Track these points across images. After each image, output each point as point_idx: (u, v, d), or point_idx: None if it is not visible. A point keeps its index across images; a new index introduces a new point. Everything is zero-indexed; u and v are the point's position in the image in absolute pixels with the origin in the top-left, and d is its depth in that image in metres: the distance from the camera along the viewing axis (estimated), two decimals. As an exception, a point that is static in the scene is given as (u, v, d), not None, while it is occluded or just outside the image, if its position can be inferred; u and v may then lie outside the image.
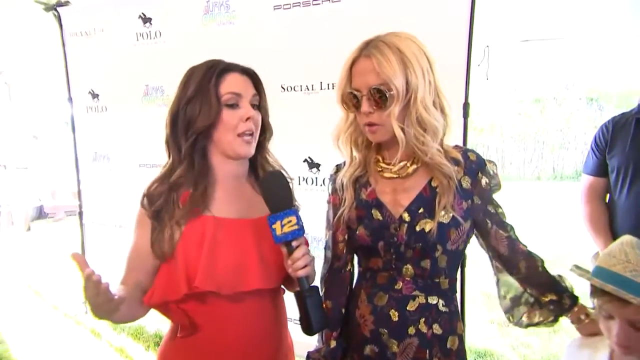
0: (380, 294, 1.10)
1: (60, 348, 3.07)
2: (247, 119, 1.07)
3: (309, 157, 2.38)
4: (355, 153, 1.16)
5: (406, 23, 2.00)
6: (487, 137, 13.33)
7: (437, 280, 1.09)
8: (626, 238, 0.98)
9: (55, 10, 3.14)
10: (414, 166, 1.09)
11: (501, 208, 1.15)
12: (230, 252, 1.04)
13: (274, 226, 0.99)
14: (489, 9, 2.33)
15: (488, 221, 1.12)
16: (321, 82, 2.30)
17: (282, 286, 1.19)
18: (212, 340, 1.08)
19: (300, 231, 1.00)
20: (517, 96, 12.48)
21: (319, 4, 2.24)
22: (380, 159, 1.14)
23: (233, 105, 1.07)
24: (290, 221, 0.99)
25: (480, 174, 1.10)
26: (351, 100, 1.07)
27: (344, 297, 1.17)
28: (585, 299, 1.11)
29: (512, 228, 1.15)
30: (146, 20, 2.78)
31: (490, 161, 1.15)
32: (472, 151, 1.13)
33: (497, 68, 3.42)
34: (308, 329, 1.02)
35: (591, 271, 1.00)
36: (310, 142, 2.34)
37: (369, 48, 1.02)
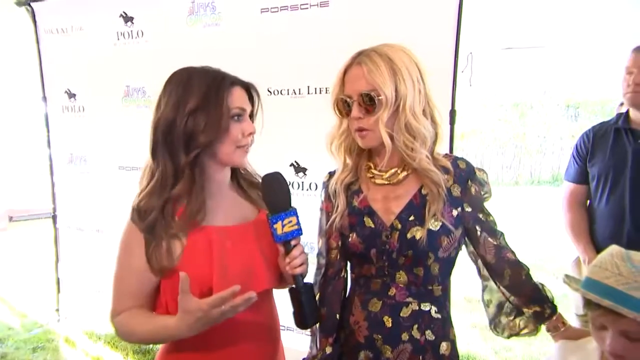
0: (374, 300, 1.13)
1: (32, 359, 2.98)
2: (249, 134, 1.09)
3: (295, 162, 2.40)
4: (347, 160, 1.19)
5: (393, 29, 2.07)
6: (468, 142, 13.60)
7: (430, 287, 1.11)
8: (615, 249, 1.00)
9: (29, 5, 3.07)
10: (404, 173, 1.12)
11: (492, 216, 1.18)
12: (237, 260, 1.06)
13: (275, 226, 1.03)
14: (474, 16, 2.39)
15: (478, 228, 1.15)
16: (308, 86, 2.32)
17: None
18: (223, 345, 1.08)
19: (299, 231, 1.04)
20: (497, 101, 12.77)
21: (307, 8, 2.26)
22: (372, 165, 1.16)
23: (238, 118, 1.07)
24: (291, 221, 1.04)
25: (469, 182, 1.13)
26: (343, 106, 1.10)
27: (339, 304, 1.19)
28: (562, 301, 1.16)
29: (502, 235, 1.19)
30: (127, 19, 2.75)
31: (480, 169, 1.18)
32: (462, 159, 1.16)
33: (480, 75, 3.51)
34: (302, 323, 1.08)
35: (581, 281, 1.03)
36: (297, 146, 2.36)
37: (361, 56, 1.08)
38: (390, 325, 1.10)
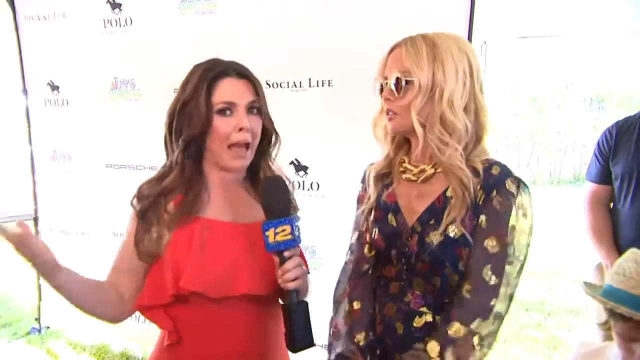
0: (390, 304, 1.16)
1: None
2: (241, 129, 1.09)
3: (296, 159, 2.42)
4: (389, 148, 1.22)
5: (401, 15, 2.08)
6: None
7: (447, 300, 1.10)
8: (635, 252, 1.02)
9: (7, -11, 3.09)
10: (433, 170, 1.11)
11: (509, 252, 1.03)
12: (219, 254, 1.09)
13: (267, 233, 1.02)
14: (487, 4, 2.41)
15: (474, 256, 1.06)
16: (310, 79, 2.33)
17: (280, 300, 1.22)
18: (199, 348, 1.12)
19: (293, 242, 1.03)
20: (514, 95, 12.77)
21: (308, -6, 2.28)
22: (406, 159, 1.18)
23: (226, 113, 1.09)
24: (284, 230, 1.02)
25: (494, 192, 1.05)
26: (379, 87, 1.15)
27: (372, 300, 1.20)
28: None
29: (500, 286, 1.03)
30: (115, 5, 2.77)
31: (516, 179, 1.07)
32: (500, 165, 1.09)
33: (495, 65, 3.52)
34: (290, 345, 1.07)
35: (602, 289, 1.04)
36: (298, 143, 2.37)
37: (405, 39, 1.11)
38: (402, 332, 1.12)
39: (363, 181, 1.28)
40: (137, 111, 2.78)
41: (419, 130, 1.07)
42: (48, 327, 3.45)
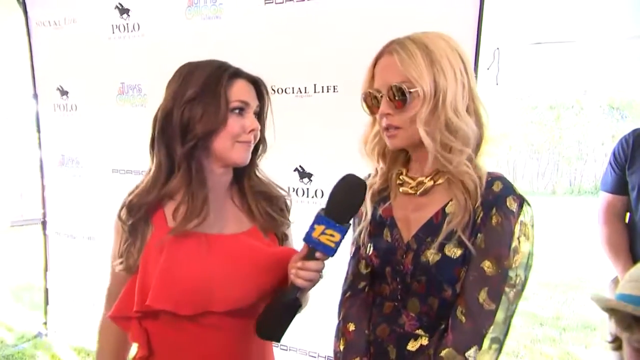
0: (384, 326, 1.09)
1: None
2: (251, 130, 1.08)
3: (300, 166, 2.39)
4: (381, 164, 1.15)
5: (408, 18, 2.05)
6: (496, 147, 13.45)
7: (445, 323, 1.03)
8: None
9: (21, -4, 3.15)
10: (432, 183, 1.05)
11: (509, 274, 0.97)
12: (193, 267, 1.04)
13: (316, 225, 0.97)
14: (499, 8, 2.36)
15: (470, 277, 1.00)
16: (315, 85, 2.31)
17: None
18: None
19: (331, 251, 0.98)
20: (530, 103, 12.62)
21: (315, -2, 2.26)
22: (404, 171, 1.11)
23: (239, 112, 1.07)
24: (333, 236, 0.97)
25: (494, 210, 0.99)
26: (372, 102, 1.05)
27: (367, 321, 1.13)
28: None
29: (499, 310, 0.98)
30: (123, 11, 2.79)
31: (518, 197, 1.01)
32: (501, 180, 1.02)
33: (508, 72, 3.46)
34: (258, 329, 1.03)
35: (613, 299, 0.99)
36: (302, 150, 2.36)
37: (393, 45, 1.02)
38: (394, 357, 1.06)
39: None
40: (144, 116, 2.78)
41: (428, 142, 0.99)
42: (55, 332, 3.46)
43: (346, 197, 0.99)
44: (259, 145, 1.17)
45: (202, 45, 2.53)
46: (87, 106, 3.04)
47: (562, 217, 9.09)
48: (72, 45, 3.02)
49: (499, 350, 0.99)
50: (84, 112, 3.06)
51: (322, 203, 2.34)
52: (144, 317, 1.06)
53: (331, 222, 0.96)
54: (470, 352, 0.96)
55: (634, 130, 2.00)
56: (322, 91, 2.30)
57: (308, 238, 0.98)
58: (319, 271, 1.00)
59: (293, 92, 2.35)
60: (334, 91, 2.27)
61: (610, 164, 2.03)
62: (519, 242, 0.98)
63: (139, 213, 1.07)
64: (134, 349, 1.20)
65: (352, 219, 1.06)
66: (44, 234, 3.39)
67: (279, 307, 1.01)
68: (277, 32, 2.37)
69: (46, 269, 3.42)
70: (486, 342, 0.97)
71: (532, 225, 1.01)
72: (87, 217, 3.12)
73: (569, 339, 3.90)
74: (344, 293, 1.20)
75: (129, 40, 2.79)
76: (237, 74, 1.09)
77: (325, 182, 2.37)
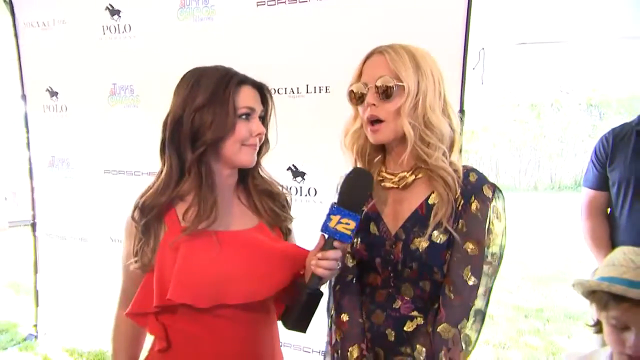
0: (378, 312, 1.16)
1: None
2: (257, 134, 1.13)
3: (293, 165, 2.42)
4: (359, 164, 1.21)
5: (398, 20, 2.09)
6: (480, 144, 13.64)
7: (438, 303, 1.12)
8: (624, 248, 1.08)
9: (7, -5, 3.11)
10: (413, 177, 1.14)
11: (481, 254, 1.09)
12: (210, 263, 1.09)
13: (331, 217, 1.05)
14: (485, 9, 2.42)
15: (454, 258, 1.11)
16: (307, 85, 2.35)
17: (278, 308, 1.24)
18: (190, 355, 1.13)
19: (348, 238, 1.05)
20: (513, 101, 12.82)
21: (306, 1, 2.29)
22: (383, 168, 1.20)
23: (246, 117, 1.12)
24: (348, 224, 1.04)
25: (473, 197, 1.11)
26: (357, 94, 1.14)
27: (359, 310, 1.20)
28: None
29: (479, 287, 1.10)
30: (114, 12, 2.79)
31: (492, 185, 1.14)
32: (475, 172, 1.15)
33: (492, 71, 3.53)
34: (285, 321, 1.10)
35: (592, 282, 1.08)
36: (295, 149, 2.38)
37: (383, 47, 1.13)
38: (393, 339, 1.13)
39: (337, 190, 1.27)
40: (136, 117, 2.79)
41: (410, 133, 1.08)
42: (45, 334, 3.44)
43: (356, 187, 1.08)
44: (262, 146, 1.21)
45: (194, 46, 2.54)
46: (78, 107, 3.02)
47: (543, 212, 9.27)
48: (62, 46, 3.00)
49: (482, 320, 1.13)
50: (75, 113, 3.04)
51: (315, 201, 2.40)
52: (161, 312, 1.11)
53: (345, 211, 1.04)
54: (462, 324, 1.09)
55: (613, 129, 2.08)
56: (315, 91, 2.33)
57: (325, 229, 1.05)
58: (338, 259, 1.07)
59: (286, 93, 2.38)
60: (326, 92, 2.31)
61: (592, 161, 2.11)
62: (492, 224, 1.12)
63: (152, 213, 1.11)
64: (147, 343, 1.24)
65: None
66: (34, 236, 3.36)
67: (303, 299, 1.07)
68: (269, 34, 2.39)
69: (36, 271, 3.39)
70: (471, 315, 1.10)
71: (504, 209, 1.14)
72: (79, 218, 3.11)
73: (553, 329, 4.01)
74: (333, 287, 1.26)
75: (121, 41, 2.79)
76: (244, 81, 1.13)
77: (318, 181, 2.41)
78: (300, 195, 2.42)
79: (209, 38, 2.51)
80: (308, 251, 1.15)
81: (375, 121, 1.12)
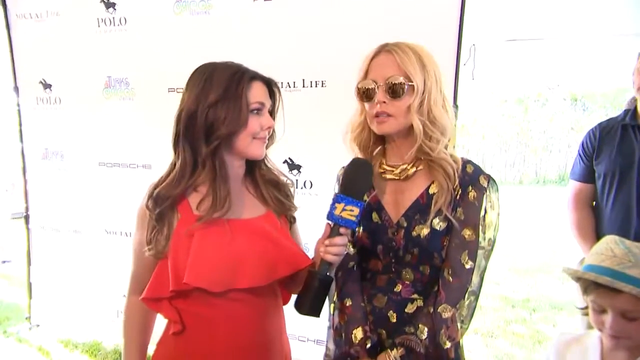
0: (380, 295, 1.23)
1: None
2: (267, 128, 1.19)
3: (289, 158, 2.46)
4: (360, 156, 1.27)
5: (394, 17, 2.14)
6: (469, 139, 13.78)
7: (437, 286, 1.19)
8: (609, 237, 1.17)
9: (-2, -13, 3.08)
10: (414, 169, 1.21)
11: (483, 238, 1.18)
12: (222, 250, 1.14)
13: (336, 205, 1.11)
14: (477, 6, 2.48)
15: (452, 244, 1.18)
16: (304, 80, 2.38)
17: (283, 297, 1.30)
18: (204, 337, 1.18)
19: (353, 224, 1.11)
20: (501, 96, 12.97)
21: (303, -5, 2.32)
22: (384, 161, 1.26)
23: (257, 112, 1.17)
24: (352, 210, 1.10)
25: (470, 187, 1.19)
26: (365, 91, 1.19)
27: (361, 294, 1.26)
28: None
29: (475, 271, 1.18)
30: (109, 5, 2.78)
31: (487, 176, 1.21)
32: (472, 164, 1.23)
33: (483, 67, 3.60)
34: (298, 307, 1.15)
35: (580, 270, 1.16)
36: (291, 142, 2.38)
37: (390, 46, 1.19)
38: (395, 320, 1.20)
39: (339, 181, 1.33)
40: (131, 110, 2.80)
41: (419, 128, 1.15)
42: (38, 326, 3.44)
43: (357, 176, 1.15)
44: (269, 138, 1.26)
45: (190, 40, 2.56)
46: (72, 99, 3.02)
47: (529, 206, 9.43)
48: (55, 38, 2.99)
49: (476, 300, 1.22)
50: (69, 105, 3.03)
51: (311, 193, 2.44)
52: (175, 297, 1.16)
53: (348, 199, 1.10)
54: (459, 304, 1.17)
55: (600, 124, 2.15)
56: (311, 86, 2.37)
57: (331, 216, 1.11)
58: (345, 245, 1.13)
59: (282, 87, 2.37)
60: (322, 86, 2.35)
61: (579, 154, 2.18)
62: (486, 212, 1.19)
63: (166, 203, 1.15)
64: (157, 328, 1.28)
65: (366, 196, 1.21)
66: (27, 228, 3.35)
67: (315, 285, 1.12)
68: (265, 28, 2.42)
69: (29, 263, 3.38)
70: (466, 295, 1.18)
71: (498, 198, 1.22)
72: (73, 210, 3.11)
73: (538, 319, 4.12)
74: (335, 274, 1.30)
75: (116, 34, 2.79)
76: (255, 77, 1.18)
77: (314, 174, 2.45)
78: (297, 188, 2.46)
79: (205, 32, 2.53)
80: (308, 258, 1.22)
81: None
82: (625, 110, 2.09)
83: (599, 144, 2.07)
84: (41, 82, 3.09)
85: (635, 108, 2.03)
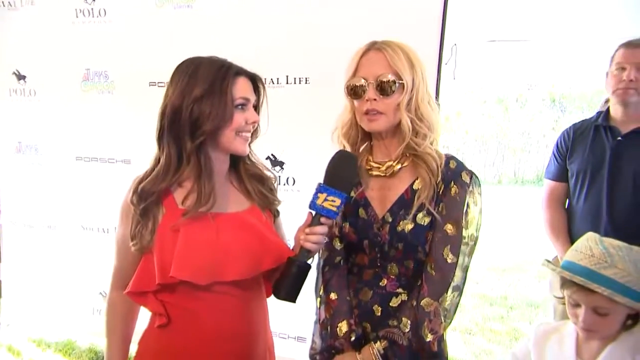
0: (365, 289, 1.29)
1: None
2: (252, 122, 1.23)
3: (272, 155, 2.51)
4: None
5: (378, 16, 2.20)
6: (449, 138, 14.02)
7: (421, 280, 1.25)
8: (590, 235, 1.25)
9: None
10: (399, 165, 1.27)
11: (466, 233, 1.22)
12: (208, 243, 1.18)
13: (319, 195, 1.16)
14: (458, 7, 2.56)
15: (436, 239, 1.23)
16: (287, 76, 2.43)
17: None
18: (189, 330, 1.22)
19: (334, 214, 1.17)
20: (480, 96, 13.25)
21: (287, -8, 2.37)
22: (370, 157, 1.32)
23: (241, 107, 1.21)
24: (334, 201, 1.15)
25: (452, 183, 1.24)
26: (355, 88, 1.24)
27: (346, 288, 1.32)
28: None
29: (459, 265, 1.23)
30: (88, -5, 2.77)
31: (469, 172, 1.27)
32: (455, 160, 1.29)
33: (463, 67, 3.71)
34: (276, 292, 1.20)
35: (560, 265, 1.25)
36: (274, 139, 2.42)
37: (379, 44, 1.24)
38: (380, 314, 1.26)
39: None
40: (110, 103, 2.80)
41: (408, 125, 1.22)
42: (8, 325, 3.40)
43: (340, 167, 1.19)
44: (253, 132, 1.31)
45: (172, 34, 2.58)
46: (48, 92, 2.99)
47: (507, 206, 9.67)
48: (30, 28, 2.96)
49: (460, 295, 1.27)
50: (44, 97, 3.01)
51: (293, 190, 2.49)
52: (160, 291, 1.19)
53: (331, 190, 1.16)
54: (442, 298, 1.21)
55: (574, 124, 2.26)
56: (294, 82, 2.42)
57: (313, 206, 1.17)
58: (325, 234, 1.19)
59: (265, 83, 2.43)
60: (306, 83, 2.40)
61: (554, 154, 2.29)
62: (469, 207, 1.24)
63: (151, 198, 1.18)
64: (140, 321, 1.32)
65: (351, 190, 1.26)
66: (-3, 224, 3.31)
67: (293, 270, 1.17)
68: (249, 24, 2.45)
69: (-1, 260, 3.35)
70: (449, 290, 1.22)
71: (480, 194, 1.27)
72: (47, 205, 3.09)
73: (516, 316, 4.28)
74: (322, 268, 1.37)
75: (95, 26, 2.78)
76: (239, 72, 1.22)
77: (296, 170, 2.51)
78: (279, 184, 2.50)
79: (188, 26, 2.55)
80: (291, 250, 1.26)
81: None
82: (598, 112, 2.21)
83: (572, 144, 2.18)
84: (14, 73, 3.06)
85: (608, 110, 2.15)
